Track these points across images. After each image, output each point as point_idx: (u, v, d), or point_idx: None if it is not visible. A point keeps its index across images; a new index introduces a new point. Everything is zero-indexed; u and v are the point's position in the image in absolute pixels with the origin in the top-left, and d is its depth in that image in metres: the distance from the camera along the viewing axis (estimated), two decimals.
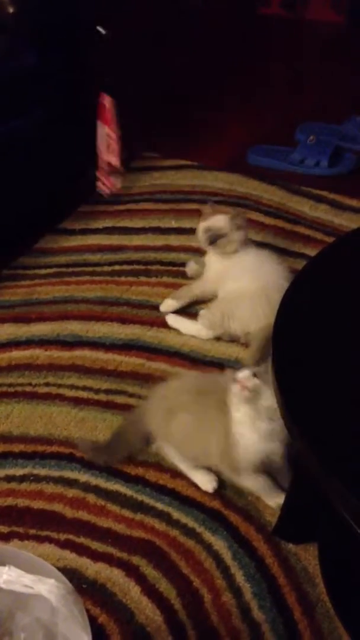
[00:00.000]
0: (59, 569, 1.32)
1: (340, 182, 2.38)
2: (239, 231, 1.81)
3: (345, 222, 2.18)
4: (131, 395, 1.67)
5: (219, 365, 1.72)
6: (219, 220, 1.82)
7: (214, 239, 1.81)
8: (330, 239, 2.08)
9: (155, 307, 1.88)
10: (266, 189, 2.34)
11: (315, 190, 2.32)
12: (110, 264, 2.07)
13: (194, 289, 1.88)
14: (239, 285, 1.78)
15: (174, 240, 2.14)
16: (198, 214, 1.93)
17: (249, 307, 1.73)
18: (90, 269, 2.06)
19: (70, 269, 2.07)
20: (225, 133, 2.67)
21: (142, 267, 2.04)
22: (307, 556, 1.34)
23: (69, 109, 2.13)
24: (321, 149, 2.45)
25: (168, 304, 1.87)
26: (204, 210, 1.88)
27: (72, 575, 1.32)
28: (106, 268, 2.06)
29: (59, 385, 1.71)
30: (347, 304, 1.18)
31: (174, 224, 2.20)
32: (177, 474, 1.48)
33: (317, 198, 2.29)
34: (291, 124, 2.65)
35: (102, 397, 1.67)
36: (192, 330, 1.80)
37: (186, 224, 2.16)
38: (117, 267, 2.05)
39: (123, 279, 2.00)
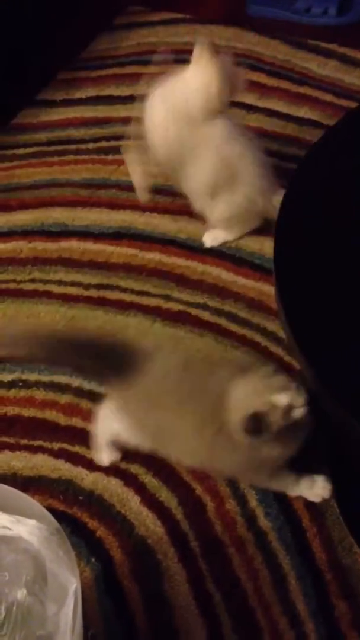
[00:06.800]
0: (53, 480, 1.28)
1: (351, 33, 2.11)
2: None
3: (358, 80, 1.95)
4: (124, 290, 1.54)
5: (217, 253, 1.58)
6: None
7: None
8: (341, 101, 1.87)
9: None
10: (268, 43, 2.09)
11: (323, 43, 2.06)
12: (96, 140, 1.87)
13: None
14: None
15: None
16: None
17: None
18: (74, 146, 1.86)
19: (53, 148, 1.87)
20: None
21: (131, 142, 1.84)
22: None
23: None
24: None
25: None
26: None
27: (67, 486, 1.27)
28: (91, 145, 1.86)
29: (46, 281, 1.58)
30: None
31: None
32: None
33: (326, 53, 2.04)
34: None
35: (93, 292, 1.55)
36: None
37: None
38: (104, 144, 1.85)
39: (111, 157, 1.81)
